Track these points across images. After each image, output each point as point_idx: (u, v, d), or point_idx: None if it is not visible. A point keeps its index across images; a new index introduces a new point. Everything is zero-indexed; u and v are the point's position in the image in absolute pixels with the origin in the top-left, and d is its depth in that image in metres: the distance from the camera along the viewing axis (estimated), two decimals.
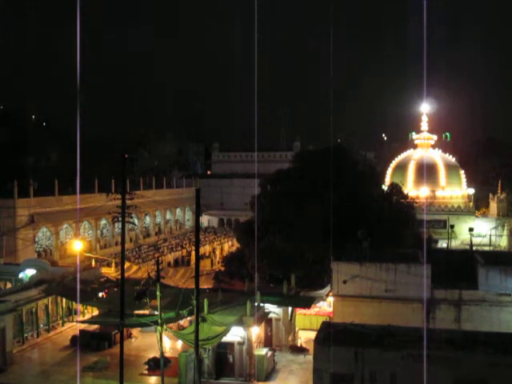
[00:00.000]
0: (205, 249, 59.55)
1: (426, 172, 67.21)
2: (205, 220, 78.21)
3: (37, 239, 50.48)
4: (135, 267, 47.11)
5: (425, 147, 72.85)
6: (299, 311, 34.66)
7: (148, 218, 67.38)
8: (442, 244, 53.32)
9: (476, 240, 54.11)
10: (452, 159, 73.29)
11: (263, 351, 28.87)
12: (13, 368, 30.17)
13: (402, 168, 70.60)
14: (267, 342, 31.52)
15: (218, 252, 60.70)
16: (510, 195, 68.35)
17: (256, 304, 29.86)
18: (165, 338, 28.55)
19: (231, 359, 28.69)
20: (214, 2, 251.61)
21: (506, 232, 58.80)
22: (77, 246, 46.46)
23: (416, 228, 45.32)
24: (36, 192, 51.97)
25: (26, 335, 33.96)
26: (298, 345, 33.01)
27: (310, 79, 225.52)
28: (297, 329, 34.16)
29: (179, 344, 31.21)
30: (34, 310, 34.61)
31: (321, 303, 35.16)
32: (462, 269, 32.22)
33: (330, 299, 33.12)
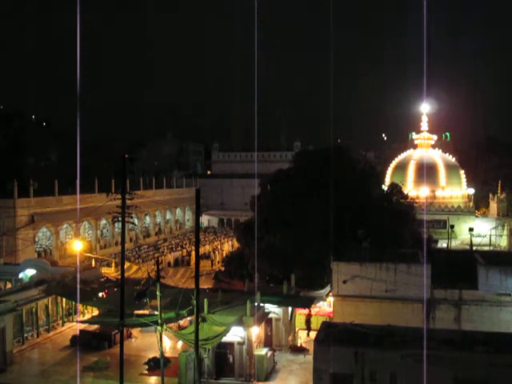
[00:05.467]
0: (205, 249, 59.52)
1: (426, 172, 67.14)
2: (205, 220, 78.19)
3: (37, 239, 50.47)
4: (135, 267, 47.15)
5: (425, 147, 72.80)
6: (299, 311, 34.65)
7: (148, 218, 67.36)
8: (442, 244, 53.30)
9: (476, 240, 54.06)
10: (452, 159, 73.23)
11: (263, 351, 28.85)
12: (13, 368, 30.14)
13: (402, 168, 70.54)
14: (267, 342, 31.50)
15: (217, 252, 60.68)
16: (510, 195, 68.28)
17: (256, 304, 29.84)
18: (165, 338, 28.54)
19: (231, 359, 28.67)
20: (214, 2, 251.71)
21: (506, 232, 58.77)
22: (77, 246, 46.43)
23: (416, 228, 45.32)
24: (36, 192, 51.96)
25: (25, 335, 33.90)
26: (298, 345, 33.01)
27: (310, 79, 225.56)
28: (297, 329, 34.16)
29: (179, 344, 31.22)
30: (34, 310, 34.58)
31: (321, 303, 35.16)
32: (462, 269, 32.21)
33: (330, 299, 33.12)
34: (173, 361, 29.16)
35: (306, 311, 34.94)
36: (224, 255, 55.65)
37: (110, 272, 44.50)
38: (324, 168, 39.08)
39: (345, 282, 30.61)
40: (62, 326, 37.05)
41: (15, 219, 48.29)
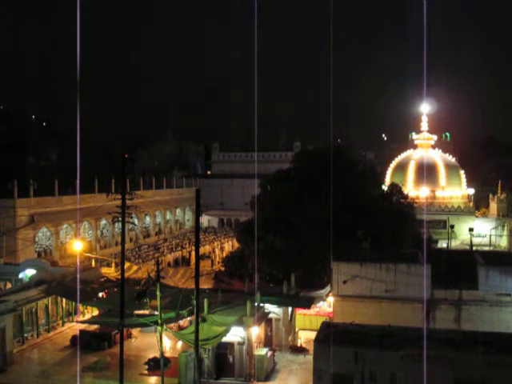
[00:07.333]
0: (205, 249, 59.54)
1: (426, 172, 67.19)
2: (205, 220, 78.22)
3: (37, 239, 50.48)
4: (135, 267, 47.12)
5: (425, 147, 72.84)
6: (299, 311, 34.64)
7: (148, 218, 67.37)
8: (442, 244, 53.34)
9: (476, 240, 54.12)
10: (452, 159, 73.28)
11: (263, 351, 28.85)
12: (13, 368, 30.14)
13: (402, 168, 70.57)
14: (267, 342, 31.50)
15: (217, 252, 60.69)
16: (510, 195, 68.31)
17: (256, 304, 29.84)
18: (165, 338, 28.53)
19: (231, 359, 28.67)
20: (214, 2, 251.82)
21: (506, 232, 58.79)
22: (77, 246, 46.46)
23: (416, 228, 45.32)
24: (36, 192, 51.98)
25: (25, 335, 33.91)
26: (298, 345, 33.00)
27: (310, 79, 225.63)
28: (297, 329, 34.15)
29: (179, 344, 31.23)
30: (34, 309, 34.58)
31: (321, 303, 35.15)
32: (462, 269, 32.23)
33: (330, 299, 33.13)
34: (173, 361, 29.13)
35: (305, 311, 34.96)
36: (224, 255, 55.65)
37: (110, 272, 44.48)
38: (324, 168, 39.09)
39: (345, 282, 30.62)
40: (62, 326, 37.05)
41: (15, 219, 48.31)
